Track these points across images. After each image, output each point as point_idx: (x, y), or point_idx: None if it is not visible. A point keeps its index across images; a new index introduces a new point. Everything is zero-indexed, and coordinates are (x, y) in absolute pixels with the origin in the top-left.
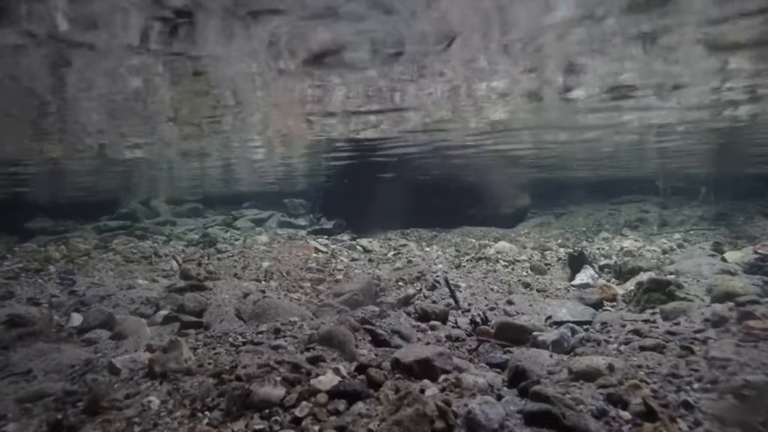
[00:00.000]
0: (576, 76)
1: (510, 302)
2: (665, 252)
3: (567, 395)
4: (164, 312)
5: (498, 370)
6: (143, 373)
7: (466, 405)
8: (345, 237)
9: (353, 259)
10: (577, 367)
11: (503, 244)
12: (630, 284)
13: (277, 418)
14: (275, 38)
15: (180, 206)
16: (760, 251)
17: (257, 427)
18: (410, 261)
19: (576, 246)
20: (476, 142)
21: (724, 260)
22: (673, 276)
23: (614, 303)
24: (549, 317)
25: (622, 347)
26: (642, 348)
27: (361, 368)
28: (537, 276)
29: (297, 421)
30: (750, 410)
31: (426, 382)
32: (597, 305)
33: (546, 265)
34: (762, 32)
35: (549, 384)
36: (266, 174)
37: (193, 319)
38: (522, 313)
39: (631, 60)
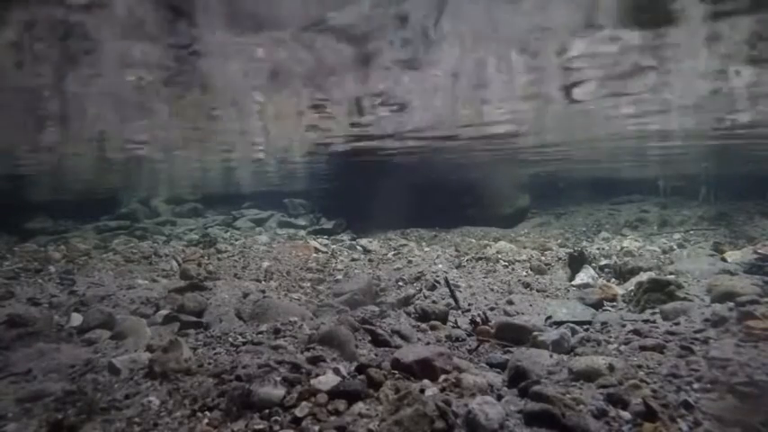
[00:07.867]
0: None
1: (510, 302)
2: (664, 252)
3: (567, 395)
4: (164, 312)
5: (498, 370)
6: (143, 373)
7: (466, 405)
8: (345, 237)
9: (353, 259)
10: (577, 367)
11: (503, 244)
12: (630, 284)
13: (277, 418)
14: None
15: (180, 206)
16: (760, 251)
17: (257, 427)
18: (410, 261)
19: (576, 246)
20: None
21: (724, 260)
22: (673, 276)
23: (614, 303)
24: (549, 317)
25: (622, 347)
26: (642, 348)
27: (361, 368)
28: (537, 276)
29: (297, 421)
30: (750, 410)
31: (426, 382)
32: (597, 305)
33: (546, 265)
34: None
35: (549, 384)
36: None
37: (193, 319)
38: (522, 313)
39: None
